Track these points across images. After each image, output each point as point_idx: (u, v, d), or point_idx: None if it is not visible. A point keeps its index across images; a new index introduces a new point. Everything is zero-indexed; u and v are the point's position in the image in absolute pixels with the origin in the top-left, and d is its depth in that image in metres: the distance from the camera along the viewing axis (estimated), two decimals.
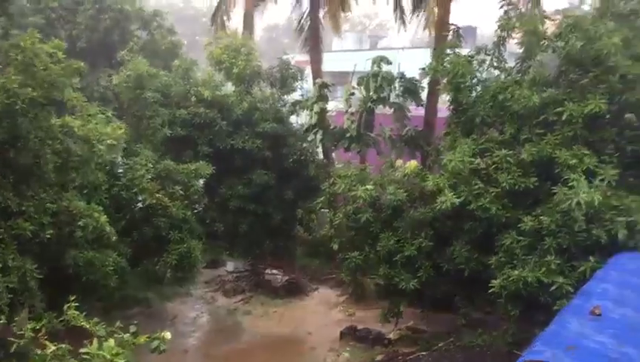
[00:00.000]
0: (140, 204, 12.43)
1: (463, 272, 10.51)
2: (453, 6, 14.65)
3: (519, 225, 9.58)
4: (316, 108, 16.33)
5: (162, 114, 14.51)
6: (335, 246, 12.63)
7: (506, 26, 11.11)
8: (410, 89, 15.44)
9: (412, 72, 15.52)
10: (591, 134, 9.76)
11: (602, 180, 9.04)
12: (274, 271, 17.82)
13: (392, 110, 15.97)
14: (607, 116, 9.88)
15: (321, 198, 13.42)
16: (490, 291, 9.38)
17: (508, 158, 9.91)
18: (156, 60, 18.06)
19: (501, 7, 11.54)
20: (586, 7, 10.71)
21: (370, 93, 15.57)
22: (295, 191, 16.25)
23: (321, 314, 15.46)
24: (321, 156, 17.45)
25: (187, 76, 16.20)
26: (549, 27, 10.50)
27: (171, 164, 13.19)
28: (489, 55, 11.43)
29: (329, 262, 16.81)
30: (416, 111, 16.81)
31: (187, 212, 13.14)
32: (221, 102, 15.82)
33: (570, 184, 8.80)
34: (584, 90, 9.69)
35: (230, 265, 18.63)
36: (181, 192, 13.04)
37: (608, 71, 9.58)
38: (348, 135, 16.11)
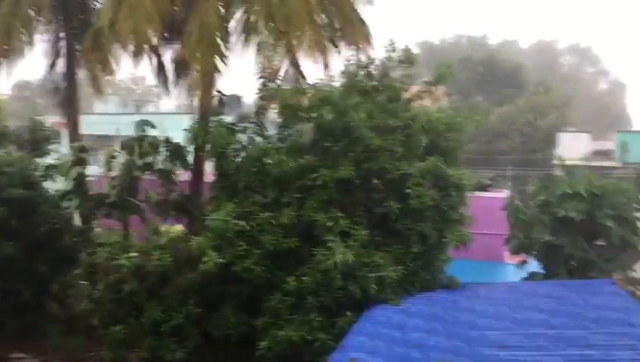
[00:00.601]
0: None
1: (232, 337, 10.45)
2: (222, 75, 15.16)
3: (284, 286, 9.94)
4: (73, 172, 15.24)
5: None
6: (95, 321, 11.68)
7: (263, 97, 11.84)
8: (177, 153, 15.30)
9: (179, 137, 15.47)
10: (344, 198, 10.65)
11: (355, 240, 9.87)
12: (21, 355, 15.77)
13: (158, 175, 15.63)
14: (358, 181, 10.94)
15: (79, 270, 12.42)
16: (258, 354, 9.46)
17: (271, 221, 10.30)
18: None
19: (259, 78, 12.17)
20: (336, 84, 11.82)
21: (134, 158, 15.08)
22: (49, 263, 14.80)
23: None
24: (79, 224, 16.23)
25: None
26: (306, 99, 11.41)
27: None
28: (252, 123, 11.96)
29: (89, 340, 15.42)
30: (184, 175, 16.68)
31: None
32: None
33: (328, 245, 9.46)
34: (336, 157, 10.61)
35: None
36: None
37: (355, 141, 10.65)
38: (108, 201, 15.27)
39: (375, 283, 9.62)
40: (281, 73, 13.15)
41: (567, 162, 29.34)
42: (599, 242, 13.10)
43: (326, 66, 13.54)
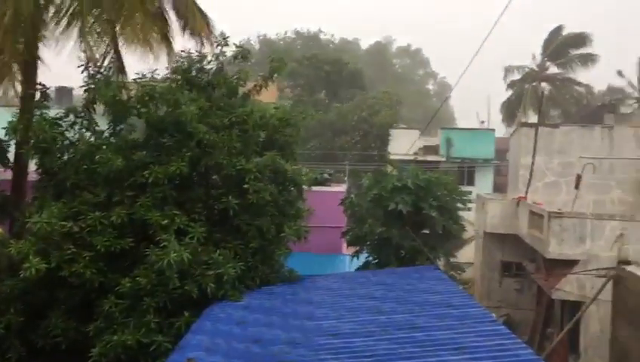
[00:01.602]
0: None
1: (60, 346, 9.76)
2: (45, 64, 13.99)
3: (118, 288, 9.49)
4: None
5: None
6: None
7: (89, 90, 11.15)
8: None
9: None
10: (180, 195, 10.40)
11: (192, 238, 9.68)
12: None
13: None
14: (195, 177, 10.73)
15: None
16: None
17: (102, 221, 9.77)
18: None
19: (83, 70, 11.39)
20: (167, 77, 11.43)
21: None
22: None
23: None
24: None
25: None
26: (134, 93, 10.90)
27: None
28: (80, 117, 11.22)
29: None
30: (5, 174, 15.23)
31: None
32: None
33: (162, 244, 9.17)
34: (170, 153, 10.32)
35: None
36: None
37: (188, 136, 10.43)
38: None
39: (214, 280, 9.52)
40: (108, 64, 12.38)
41: (399, 157, 31.45)
42: (426, 231, 14.16)
43: (162, 58, 13.06)
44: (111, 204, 10.17)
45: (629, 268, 11.83)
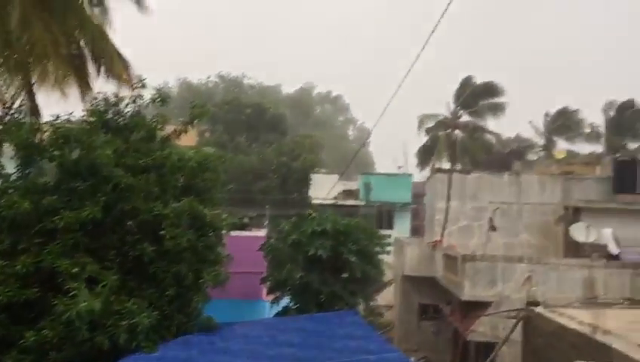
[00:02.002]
0: None
1: None
2: None
3: (22, 342, 8.89)
4: None
5: None
6: None
7: None
8: None
9: None
10: (93, 241, 9.97)
11: (104, 286, 9.26)
12: None
13: None
14: (109, 223, 10.34)
15: None
16: None
17: (6, 270, 9.19)
18: None
19: None
20: (83, 120, 11.08)
21: None
22: None
23: None
24: None
25: None
26: (47, 135, 10.49)
27: None
28: None
29: None
30: None
31: None
32: None
33: (71, 293, 8.72)
34: (82, 198, 9.92)
35: None
36: None
37: (104, 180, 10.08)
38: None
39: (127, 331, 9.11)
40: (20, 105, 11.89)
41: (320, 201, 31.76)
42: (345, 275, 14.26)
43: (78, 100, 12.75)
44: (16, 251, 9.60)
45: (537, 309, 12.35)
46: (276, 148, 43.57)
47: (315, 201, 32.29)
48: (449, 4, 9.53)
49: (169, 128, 11.63)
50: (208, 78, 71.22)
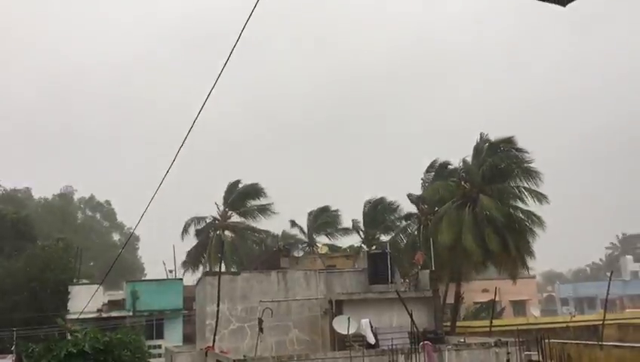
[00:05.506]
0: None
1: None
2: None
3: None
4: None
5: None
6: None
7: None
8: None
9: None
10: None
11: None
12: None
13: None
14: None
15: None
16: None
17: None
18: None
19: None
20: None
21: None
22: None
23: None
24: None
25: None
26: None
27: None
28: None
29: None
30: None
31: None
32: None
33: None
34: None
35: None
36: None
37: None
38: None
39: None
40: None
41: (81, 316, 28.92)
42: None
43: None
44: None
45: None
46: (24, 258, 38.75)
47: (73, 317, 29.20)
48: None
49: None
50: None
